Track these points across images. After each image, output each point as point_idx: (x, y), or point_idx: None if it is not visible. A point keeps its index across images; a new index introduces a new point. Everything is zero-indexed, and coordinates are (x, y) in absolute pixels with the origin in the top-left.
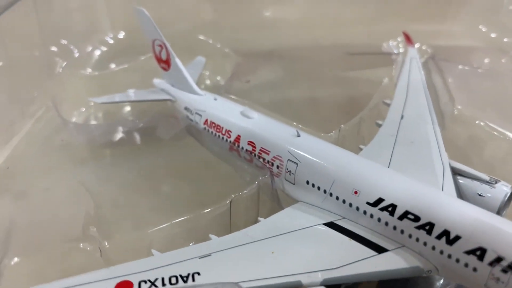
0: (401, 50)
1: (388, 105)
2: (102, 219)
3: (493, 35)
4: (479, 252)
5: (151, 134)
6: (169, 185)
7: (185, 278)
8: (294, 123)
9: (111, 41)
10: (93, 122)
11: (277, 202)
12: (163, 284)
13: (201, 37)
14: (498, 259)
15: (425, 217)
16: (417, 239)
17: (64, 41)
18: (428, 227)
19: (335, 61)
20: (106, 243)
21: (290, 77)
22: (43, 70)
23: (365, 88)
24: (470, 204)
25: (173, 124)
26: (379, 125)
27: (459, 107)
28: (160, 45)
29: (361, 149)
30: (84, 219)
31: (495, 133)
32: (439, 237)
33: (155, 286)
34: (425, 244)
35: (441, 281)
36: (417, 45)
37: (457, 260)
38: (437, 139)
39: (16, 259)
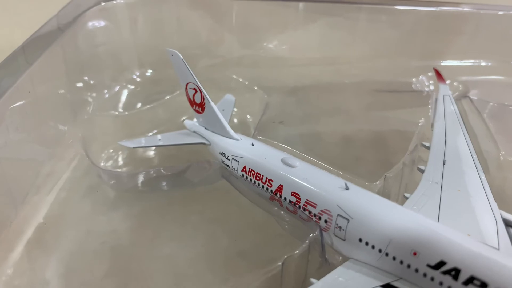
0: (431, 87)
1: (428, 147)
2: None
3: None
4: None
5: (183, 179)
6: (210, 239)
7: None
8: (336, 171)
9: (138, 79)
10: (121, 164)
11: (324, 258)
12: None
13: (234, 75)
14: None
15: (493, 284)
16: None
17: (91, 81)
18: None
19: (368, 100)
20: None
21: (323, 117)
22: (72, 112)
23: (400, 128)
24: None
25: (206, 168)
26: (422, 171)
27: (503, 152)
28: (194, 89)
29: (406, 198)
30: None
31: None
32: None
33: None
34: None
35: None
36: (448, 81)
37: None
38: (484, 187)
39: None
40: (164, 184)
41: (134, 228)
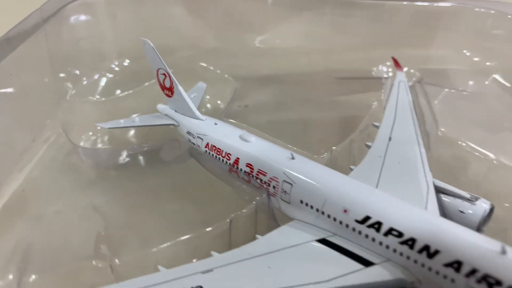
0: (390, 74)
1: (377, 127)
2: (112, 238)
3: (476, 58)
4: (456, 265)
5: (155, 157)
6: (173, 205)
7: None
8: (289, 146)
9: (116, 69)
10: (100, 145)
11: (273, 220)
12: None
13: (202, 63)
14: (473, 271)
15: (407, 233)
16: (401, 254)
17: (74, 70)
18: (411, 242)
19: (328, 86)
20: (117, 261)
21: (286, 101)
22: (54, 98)
23: (356, 111)
24: (449, 221)
25: (176, 147)
26: (369, 147)
27: (442, 129)
28: (163, 74)
29: (351, 170)
30: (96, 239)
31: (477, 153)
32: (420, 251)
33: None
34: (408, 258)
35: None
36: (405, 69)
37: (437, 272)
38: (423, 160)
39: (33, 276)
40: (138, 161)
41: (110, 200)
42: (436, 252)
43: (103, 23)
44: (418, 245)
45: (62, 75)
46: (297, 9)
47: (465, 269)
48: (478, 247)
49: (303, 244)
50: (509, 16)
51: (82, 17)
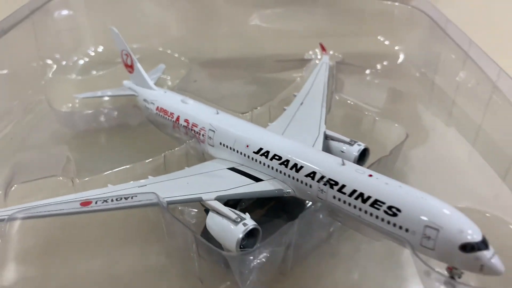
0: (319, 57)
1: (295, 96)
2: (76, 164)
3: (387, 42)
4: (312, 174)
5: (122, 120)
6: (125, 146)
7: (126, 197)
8: (221, 107)
9: (92, 54)
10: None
11: (202, 160)
12: (112, 200)
13: (162, 49)
14: (322, 177)
15: (284, 156)
16: (280, 172)
17: (56, 55)
18: (286, 162)
19: (267, 67)
20: (77, 180)
21: (227, 77)
22: (38, 77)
23: (283, 85)
24: (313, 149)
25: (137, 112)
26: (285, 110)
27: (342, 95)
28: (126, 54)
29: (268, 125)
30: (65, 163)
31: (366, 112)
32: (291, 168)
33: (106, 201)
34: (284, 174)
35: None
36: (331, 52)
37: (301, 182)
38: (321, 117)
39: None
40: (107, 122)
41: (80, 145)
42: (301, 167)
43: (81, 16)
44: (290, 164)
45: (47, 60)
46: (255, 6)
47: (317, 176)
48: (326, 161)
49: (218, 170)
50: (409, 7)
51: (64, 11)
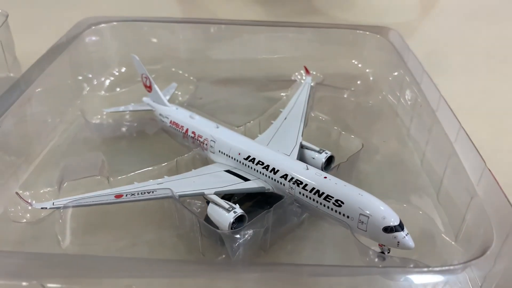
0: (304, 77)
1: (281, 112)
2: (111, 168)
3: (360, 65)
4: (285, 176)
5: (141, 129)
6: (146, 152)
7: (148, 191)
8: (221, 121)
9: (117, 74)
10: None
11: (205, 164)
12: (137, 194)
13: (174, 69)
14: (292, 178)
15: (266, 162)
16: (263, 174)
17: (89, 75)
18: (267, 167)
19: (260, 85)
20: (111, 179)
21: (226, 95)
22: (76, 96)
23: (271, 102)
24: (290, 157)
25: (153, 123)
26: (272, 123)
27: (316, 112)
28: (145, 77)
29: (258, 136)
30: (101, 165)
31: (335, 127)
32: (271, 171)
33: (133, 194)
34: (266, 175)
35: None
36: (313, 73)
37: (277, 181)
38: (299, 130)
39: (65, 184)
40: (130, 131)
41: (110, 151)
42: (277, 170)
43: (108, 42)
44: (269, 168)
45: (79, 78)
46: (251, 34)
47: (288, 177)
48: (295, 167)
49: (217, 172)
50: (378, 36)
51: (93, 38)
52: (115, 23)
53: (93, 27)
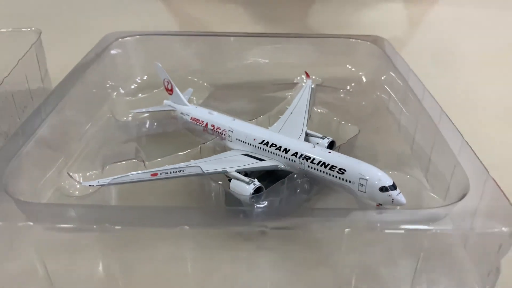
0: (304, 81)
1: (287, 108)
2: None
3: (353, 69)
4: (295, 154)
5: (164, 127)
6: (171, 144)
7: (179, 170)
8: (235, 116)
9: (139, 81)
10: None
11: (224, 150)
12: (170, 172)
13: (190, 77)
14: (301, 155)
15: (278, 144)
16: (276, 154)
17: (117, 83)
18: (280, 148)
19: (267, 88)
20: (147, 162)
21: (236, 98)
22: (107, 100)
23: (278, 101)
24: (295, 139)
25: (173, 122)
26: (279, 118)
27: (318, 107)
28: (167, 81)
29: (268, 128)
30: (136, 151)
31: (335, 118)
32: (283, 151)
33: (166, 173)
34: (278, 155)
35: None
36: (313, 77)
37: (289, 159)
38: (304, 121)
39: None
40: (154, 128)
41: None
42: (289, 150)
43: (132, 53)
44: (281, 149)
45: (107, 85)
46: (257, 44)
47: (298, 155)
48: (304, 146)
49: (236, 156)
50: (368, 43)
51: (119, 50)
52: (138, 36)
53: (120, 40)
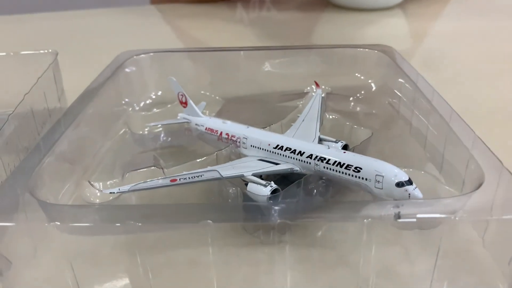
0: (314, 90)
1: (299, 116)
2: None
3: (362, 77)
4: (310, 156)
5: (179, 139)
6: (186, 152)
7: (197, 175)
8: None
9: (154, 97)
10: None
11: (239, 157)
12: (189, 178)
13: (203, 92)
14: (316, 157)
15: (293, 147)
16: (291, 157)
17: (131, 99)
18: (295, 151)
19: (278, 98)
20: (166, 169)
21: (248, 110)
22: (122, 116)
23: (289, 110)
24: (308, 143)
25: (186, 134)
26: (292, 125)
27: (329, 114)
28: (182, 95)
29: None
30: (154, 159)
31: (347, 122)
32: (298, 154)
33: (185, 178)
34: (293, 158)
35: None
36: (323, 86)
37: (304, 162)
38: (317, 128)
39: (128, 175)
40: (164, 143)
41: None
42: (303, 152)
43: (146, 70)
44: (296, 152)
45: (123, 102)
46: (266, 58)
47: (313, 156)
48: (318, 148)
49: (251, 161)
50: (376, 51)
51: (133, 68)
52: (151, 54)
53: (134, 57)
